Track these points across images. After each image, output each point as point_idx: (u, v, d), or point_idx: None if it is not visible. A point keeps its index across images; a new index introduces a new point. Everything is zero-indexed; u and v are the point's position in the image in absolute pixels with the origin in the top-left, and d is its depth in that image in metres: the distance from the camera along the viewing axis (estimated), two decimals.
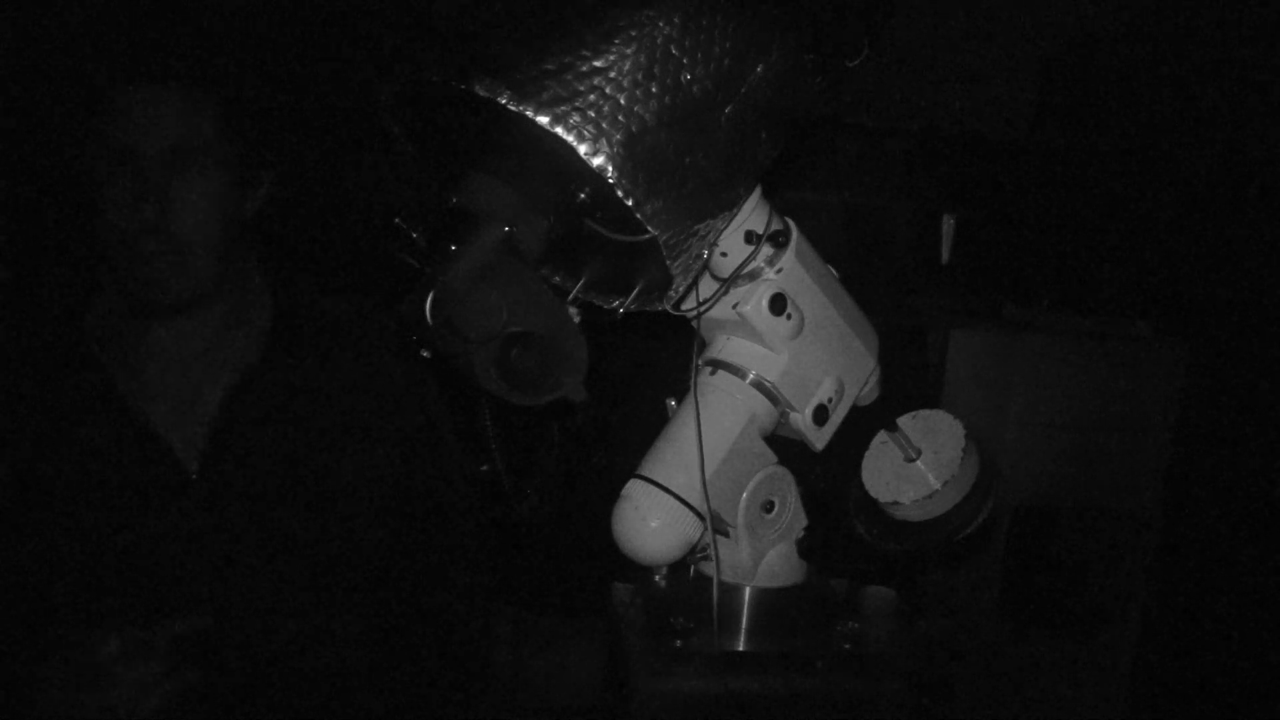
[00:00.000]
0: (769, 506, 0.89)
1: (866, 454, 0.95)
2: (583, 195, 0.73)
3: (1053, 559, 2.31)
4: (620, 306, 0.84)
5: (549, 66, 0.68)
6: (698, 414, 0.84)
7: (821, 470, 0.94)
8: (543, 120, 0.67)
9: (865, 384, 0.94)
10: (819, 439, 0.91)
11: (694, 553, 0.86)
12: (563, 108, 0.67)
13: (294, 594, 1.23)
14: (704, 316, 0.88)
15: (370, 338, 1.35)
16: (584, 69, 0.68)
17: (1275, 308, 2.21)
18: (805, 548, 0.93)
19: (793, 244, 0.87)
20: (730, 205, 0.79)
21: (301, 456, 1.25)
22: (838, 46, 0.83)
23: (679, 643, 0.87)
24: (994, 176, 2.28)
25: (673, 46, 0.70)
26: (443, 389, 1.38)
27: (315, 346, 1.31)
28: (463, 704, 1.38)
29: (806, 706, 0.88)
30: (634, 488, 0.83)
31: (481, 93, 0.67)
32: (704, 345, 0.91)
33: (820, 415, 0.90)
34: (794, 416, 0.89)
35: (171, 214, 1.16)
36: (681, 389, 0.88)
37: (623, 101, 0.68)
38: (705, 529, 0.84)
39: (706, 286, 0.87)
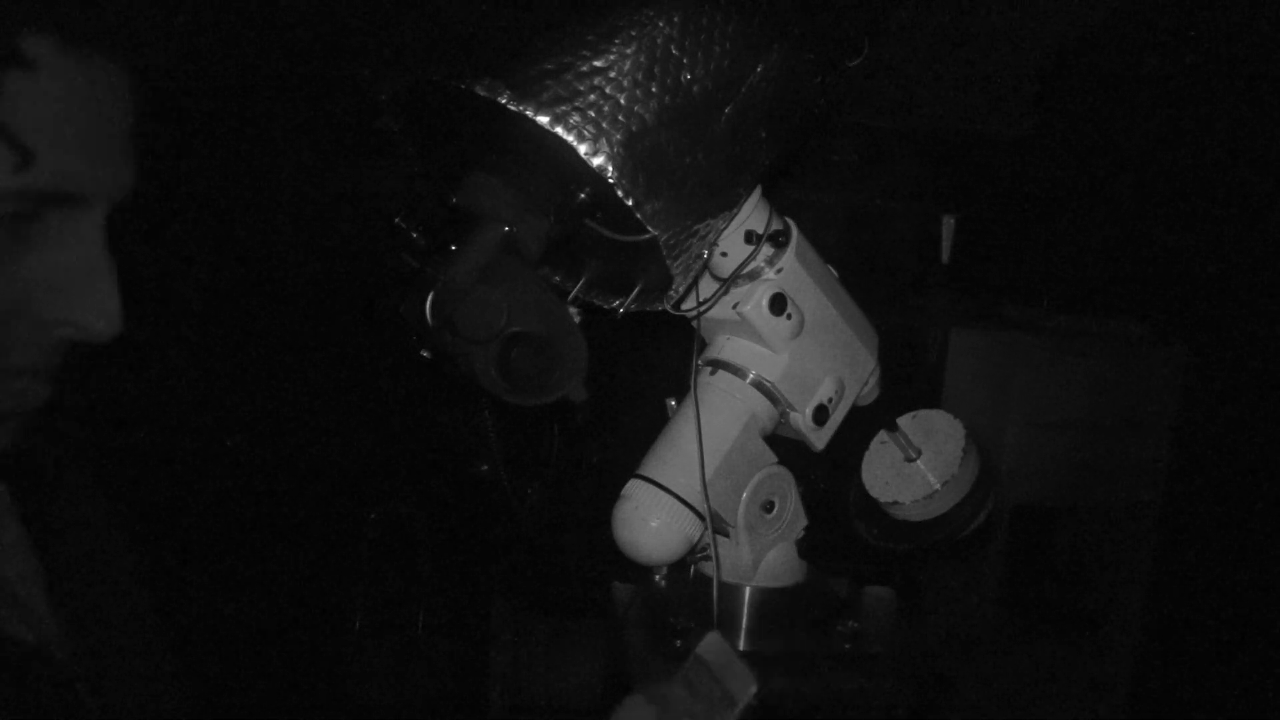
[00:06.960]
0: (769, 506, 0.89)
1: (866, 454, 0.95)
2: (583, 195, 0.73)
3: (1053, 559, 2.31)
4: (620, 306, 0.84)
5: (549, 66, 0.68)
6: (698, 414, 0.84)
7: (821, 470, 0.94)
8: (543, 120, 0.67)
9: (865, 384, 0.94)
10: (819, 439, 0.91)
11: (694, 553, 0.86)
12: (563, 107, 0.67)
13: None
14: (704, 316, 0.87)
15: None
16: (584, 69, 0.68)
17: (1275, 308, 2.21)
18: (805, 548, 0.93)
19: (793, 244, 0.87)
20: (730, 205, 0.79)
21: None
22: (838, 46, 0.83)
23: (679, 643, 0.87)
24: (994, 176, 2.28)
25: (673, 46, 0.70)
26: (443, 388, 1.37)
27: None
28: None
29: (806, 706, 0.88)
30: (634, 488, 0.83)
31: (481, 93, 0.67)
32: (704, 345, 0.91)
33: (820, 415, 0.90)
34: (794, 416, 0.89)
35: None
36: (681, 389, 0.88)
37: (623, 101, 0.68)
38: (705, 529, 0.83)
39: (706, 286, 0.87)
